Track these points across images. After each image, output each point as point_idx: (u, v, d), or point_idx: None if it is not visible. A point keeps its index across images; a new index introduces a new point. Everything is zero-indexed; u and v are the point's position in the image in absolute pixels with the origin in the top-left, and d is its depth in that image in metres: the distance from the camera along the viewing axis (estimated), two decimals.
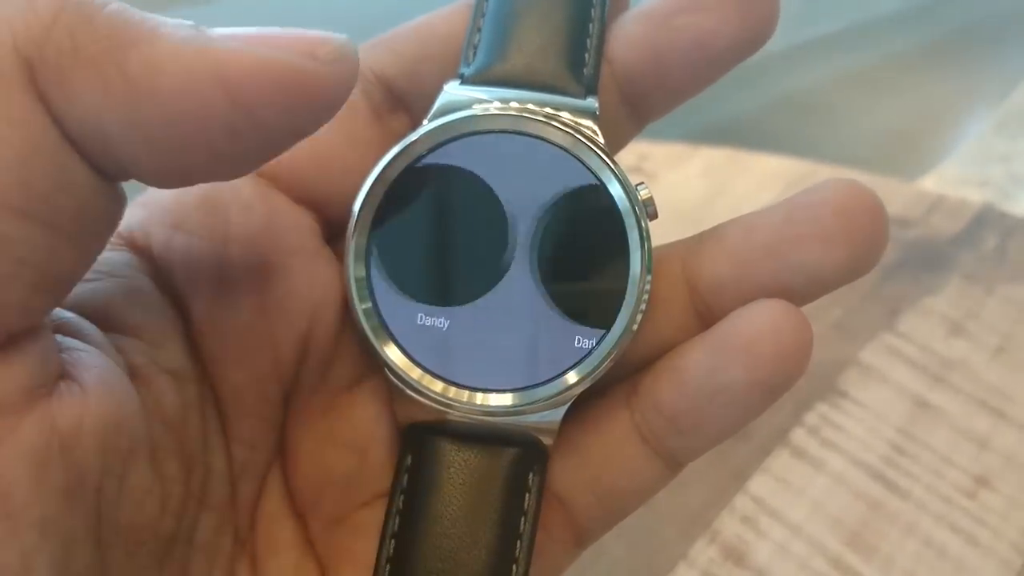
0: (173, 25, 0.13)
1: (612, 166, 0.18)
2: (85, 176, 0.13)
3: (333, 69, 0.14)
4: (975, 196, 0.54)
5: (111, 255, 0.17)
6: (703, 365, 0.17)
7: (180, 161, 0.14)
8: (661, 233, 0.19)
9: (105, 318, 0.16)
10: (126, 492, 0.15)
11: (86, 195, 0.13)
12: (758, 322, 0.16)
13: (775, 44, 0.19)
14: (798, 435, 0.36)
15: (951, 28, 1.47)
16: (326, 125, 0.16)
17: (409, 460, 0.19)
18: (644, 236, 0.18)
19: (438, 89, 0.19)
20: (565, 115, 0.19)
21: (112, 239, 0.17)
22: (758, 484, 0.35)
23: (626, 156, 0.19)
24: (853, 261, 0.17)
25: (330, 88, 0.14)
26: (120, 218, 0.15)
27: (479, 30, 0.20)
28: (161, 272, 0.17)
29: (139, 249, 0.18)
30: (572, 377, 0.18)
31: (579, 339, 0.18)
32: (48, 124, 0.13)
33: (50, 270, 0.13)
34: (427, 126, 0.19)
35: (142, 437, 0.15)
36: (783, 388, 0.17)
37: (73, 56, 0.12)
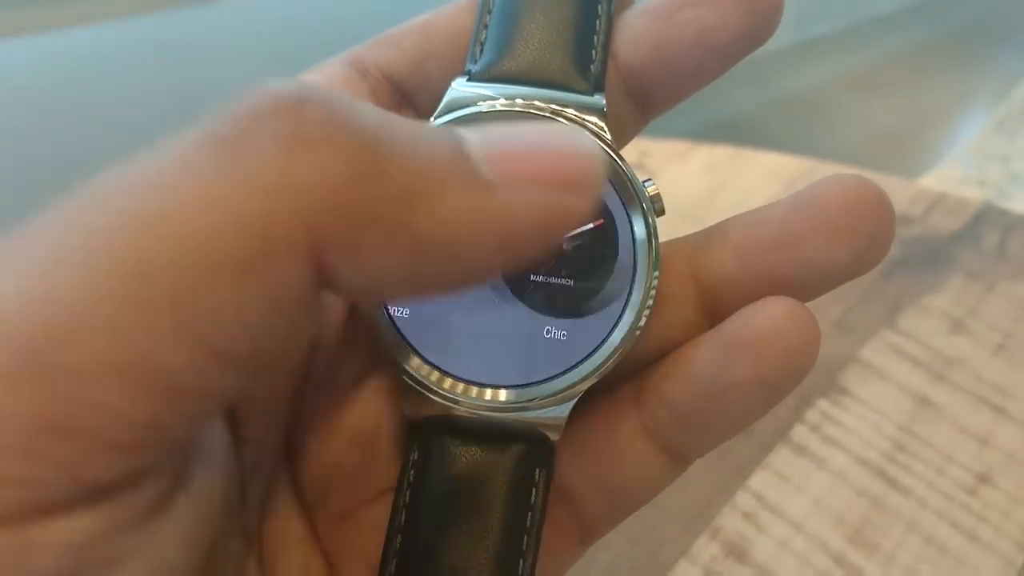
0: (458, 173, 0.12)
1: (618, 162, 0.18)
2: (307, 327, 0.13)
3: (590, 202, 0.13)
4: (974, 195, 0.54)
5: None
6: (711, 362, 0.17)
7: (422, 296, 0.13)
8: (662, 229, 0.19)
9: None
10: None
11: (297, 341, 0.13)
12: (766, 319, 0.16)
13: (776, 43, 0.19)
14: (799, 432, 0.36)
15: (950, 28, 1.47)
16: None
17: (415, 455, 0.19)
18: (651, 232, 0.18)
19: (445, 86, 0.19)
20: (570, 111, 0.19)
21: None
22: (759, 481, 0.35)
23: (627, 152, 0.19)
24: (859, 255, 0.17)
25: (579, 224, 0.13)
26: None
27: (486, 26, 0.20)
28: None
29: None
30: (582, 371, 0.18)
31: (587, 335, 0.18)
32: (307, 292, 0.12)
33: (224, 405, 0.13)
34: (433, 123, 0.19)
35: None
36: (791, 385, 0.17)
37: (364, 220, 0.11)
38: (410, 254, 0.12)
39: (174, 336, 0.11)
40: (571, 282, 0.18)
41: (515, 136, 0.13)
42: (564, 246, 0.18)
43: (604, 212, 0.18)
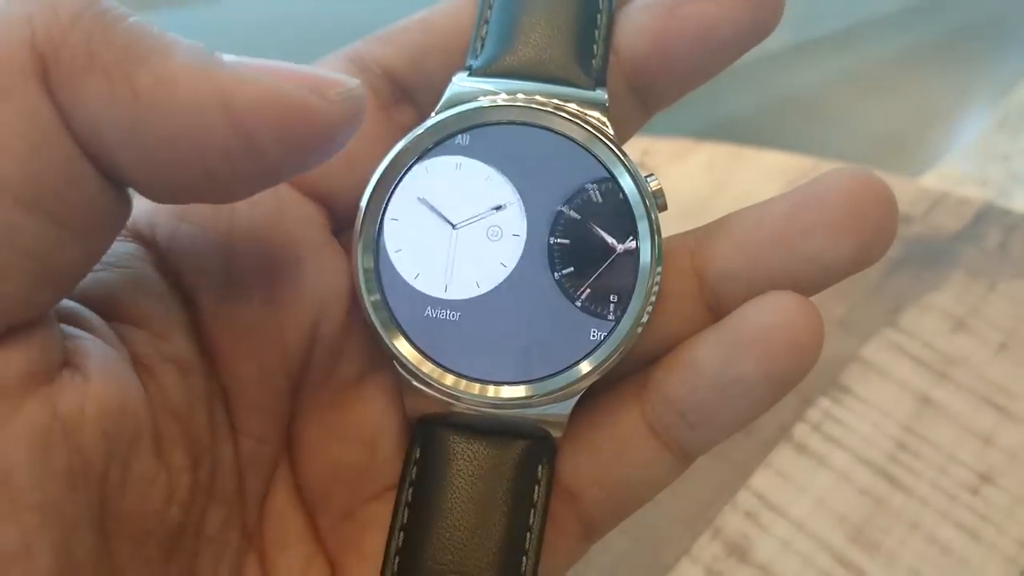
0: (187, 46, 0.13)
1: (622, 157, 0.18)
2: (91, 175, 0.13)
3: (338, 108, 0.14)
4: (975, 194, 0.54)
5: (117, 246, 0.17)
6: (715, 358, 0.17)
7: (175, 177, 0.14)
8: (663, 228, 0.19)
9: (110, 308, 0.16)
10: (131, 480, 0.15)
11: (92, 193, 0.13)
12: (770, 314, 0.16)
13: (777, 43, 0.19)
14: (801, 431, 0.36)
15: (951, 28, 1.47)
16: None
17: (418, 453, 0.18)
18: (654, 227, 0.18)
19: (444, 81, 0.19)
20: (572, 106, 0.18)
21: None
22: (761, 479, 0.35)
23: (629, 151, 0.19)
24: (863, 249, 0.17)
25: (332, 126, 0.14)
26: (127, 219, 0.15)
27: (487, 22, 0.20)
28: (167, 263, 0.17)
29: (145, 240, 0.17)
30: (584, 367, 0.18)
31: (590, 330, 0.18)
32: (57, 120, 0.13)
33: (54, 264, 0.13)
34: (434, 118, 0.19)
35: (146, 425, 0.15)
36: (795, 380, 0.17)
37: (87, 61, 0.13)
38: (132, 107, 0.13)
39: None
40: (574, 277, 0.18)
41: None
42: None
43: (607, 207, 0.18)
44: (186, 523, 0.16)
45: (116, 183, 0.14)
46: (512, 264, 0.18)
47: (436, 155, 0.18)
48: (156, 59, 0.13)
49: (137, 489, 0.15)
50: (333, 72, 0.14)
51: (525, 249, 0.18)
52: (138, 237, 0.18)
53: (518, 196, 0.18)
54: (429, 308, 0.18)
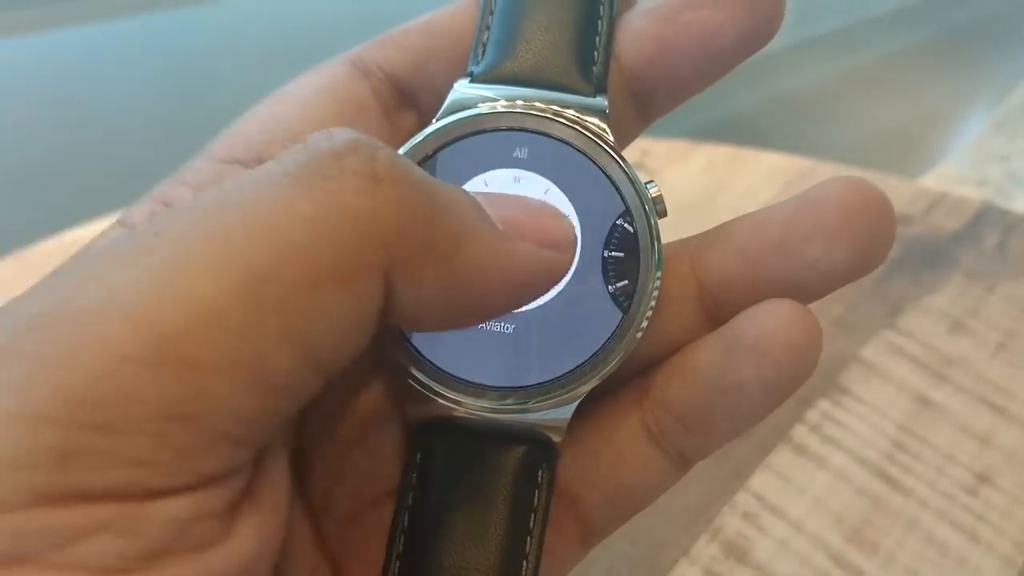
0: (483, 220, 0.15)
1: (622, 164, 0.18)
2: (368, 341, 0.14)
3: (569, 259, 0.16)
4: (974, 195, 0.54)
5: None
6: (713, 364, 0.17)
7: (443, 328, 0.16)
8: (663, 229, 0.19)
9: None
10: None
11: (359, 354, 0.14)
12: (769, 321, 0.17)
13: (775, 43, 0.19)
14: (799, 432, 0.37)
15: (950, 28, 1.47)
16: (338, 123, 0.17)
17: (419, 457, 0.19)
18: (653, 234, 0.18)
19: (447, 86, 0.19)
20: (571, 112, 0.19)
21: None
22: (759, 481, 0.35)
23: (628, 152, 0.19)
24: (860, 257, 0.17)
25: (563, 276, 0.16)
26: None
27: (488, 27, 0.20)
28: None
29: None
30: (588, 369, 0.18)
31: (589, 336, 0.18)
32: (378, 309, 0.14)
33: (301, 406, 0.14)
34: (433, 125, 0.19)
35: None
36: (793, 387, 0.17)
37: (424, 253, 0.14)
38: (452, 286, 0.14)
39: (279, 336, 0.12)
40: (572, 283, 0.18)
41: (509, 201, 0.16)
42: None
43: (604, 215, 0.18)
44: None
45: None
46: None
47: (437, 162, 0.19)
48: (471, 241, 0.14)
49: None
50: (558, 216, 0.16)
51: None
52: None
53: None
54: None
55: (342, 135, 0.14)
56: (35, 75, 1.01)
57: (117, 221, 0.18)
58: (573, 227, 0.16)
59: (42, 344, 0.11)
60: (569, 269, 0.16)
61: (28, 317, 0.12)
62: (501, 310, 0.15)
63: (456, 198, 0.14)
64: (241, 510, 0.13)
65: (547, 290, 0.16)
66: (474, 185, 0.19)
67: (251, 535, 0.13)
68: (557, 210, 0.16)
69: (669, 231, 0.19)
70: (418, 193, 0.13)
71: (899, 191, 0.50)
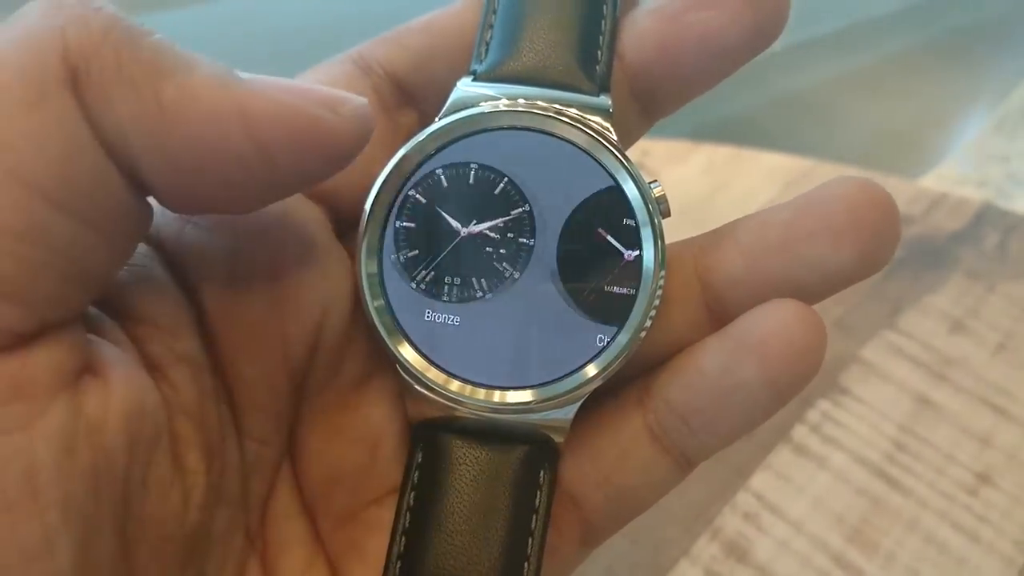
0: (208, 62, 0.14)
1: (626, 164, 0.18)
2: (117, 181, 0.14)
3: (349, 124, 0.15)
4: (974, 195, 0.54)
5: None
6: (717, 364, 0.17)
7: (193, 186, 0.15)
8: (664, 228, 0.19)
9: (122, 307, 0.16)
10: (151, 483, 0.15)
11: (119, 198, 0.14)
12: (772, 322, 0.16)
13: (776, 43, 0.19)
14: (800, 432, 0.37)
15: (950, 28, 1.47)
16: None
17: (420, 457, 0.19)
18: (657, 233, 0.18)
19: (449, 85, 0.19)
20: (573, 111, 0.19)
21: None
22: (760, 481, 0.35)
23: (629, 153, 0.19)
24: (864, 258, 0.17)
25: (343, 141, 0.15)
26: (150, 224, 0.15)
27: (491, 27, 0.20)
28: (173, 263, 0.17)
29: (153, 241, 0.18)
30: (588, 371, 0.18)
31: (593, 336, 0.18)
32: (86, 128, 0.13)
33: (85, 265, 0.14)
34: (436, 124, 0.19)
35: (164, 427, 0.16)
36: (797, 388, 0.17)
37: (116, 73, 0.13)
38: (157, 118, 0.14)
39: (6, 177, 0.12)
40: (577, 282, 0.18)
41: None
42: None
43: (610, 213, 0.18)
44: (200, 527, 0.16)
45: (139, 191, 0.15)
46: (518, 270, 0.18)
47: (439, 161, 0.19)
48: (180, 73, 0.14)
49: (157, 492, 0.15)
50: (343, 91, 0.15)
51: (531, 255, 0.18)
52: (146, 238, 0.18)
53: (523, 202, 0.18)
54: (433, 313, 0.18)
55: None
56: None
57: None
58: (359, 100, 0.15)
59: None
60: (351, 134, 0.15)
61: None
62: (248, 162, 0.14)
63: (167, 41, 0.14)
64: (55, 393, 0.13)
65: (320, 153, 0.15)
66: None
67: (58, 418, 0.13)
68: (347, 93, 0.15)
69: (670, 231, 0.19)
70: (107, 18, 0.14)
71: (900, 191, 0.50)
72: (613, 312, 0.18)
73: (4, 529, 0.13)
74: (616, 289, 0.18)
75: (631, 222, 0.18)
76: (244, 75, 0.15)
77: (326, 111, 0.15)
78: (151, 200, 0.15)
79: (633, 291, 0.18)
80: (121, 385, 0.15)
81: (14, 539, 0.13)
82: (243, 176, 0.14)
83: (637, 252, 0.18)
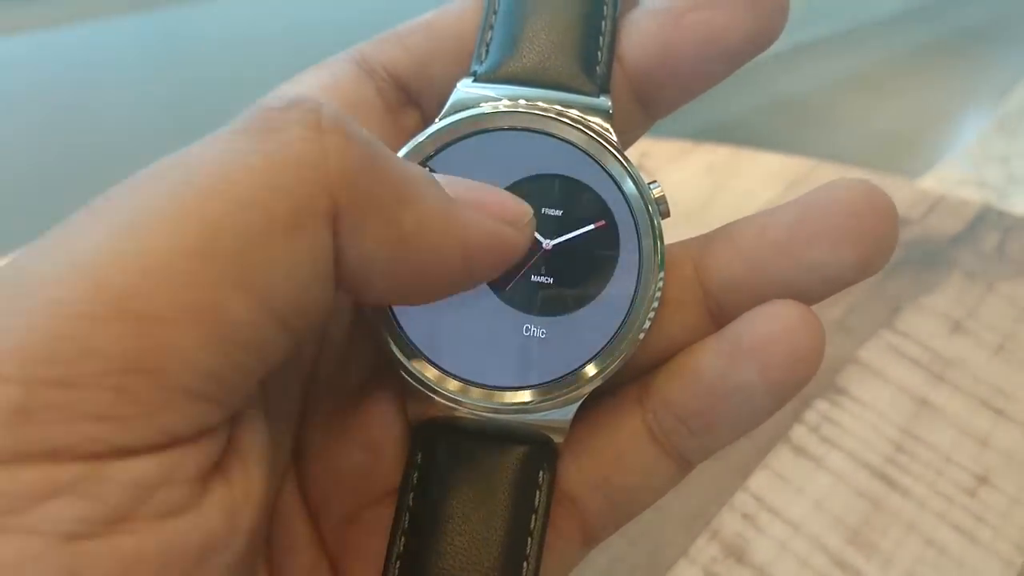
0: (434, 186, 0.15)
1: (625, 164, 0.18)
2: (331, 300, 0.14)
3: (526, 238, 0.16)
4: (973, 196, 0.54)
5: None
6: (716, 366, 0.17)
7: (396, 297, 0.16)
8: (664, 229, 0.19)
9: None
10: None
11: (325, 314, 0.14)
12: (772, 323, 0.16)
13: (776, 45, 0.19)
14: (798, 432, 0.37)
15: (950, 29, 1.47)
16: None
17: (420, 458, 0.19)
18: (656, 234, 0.18)
19: (450, 85, 0.19)
20: (574, 112, 0.19)
21: None
22: (759, 481, 0.35)
23: (627, 154, 0.19)
24: (864, 261, 0.17)
25: (520, 253, 0.16)
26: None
27: (491, 27, 0.20)
28: None
29: None
30: (588, 372, 0.18)
31: (593, 336, 0.18)
32: (332, 259, 0.14)
33: (273, 365, 0.14)
34: (436, 125, 0.19)
35: None
36: (796, 389, 0.17)
37: (369, 204, 0.14)
38: (399, 244, 0.14)
39: (235, 286, 0.12)
40: (576, 285, 0.18)
41: (465, 181, 0.16)
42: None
43: (607, 214, 0.18)
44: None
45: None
46: (517, 269, 0.18)
47: (438, 161, 0.19)
48: (417, 202, 0.14)
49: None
50: (517, 201, 0.16)
51: (530, 255, 0.18)
52: None
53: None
54: (433, 314, 0.18)
55: (284, 95, 0.14)
56: (34, 74, 1.00)
57: None
58: (530, 210, 0.16)
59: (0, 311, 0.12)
60: (526, 248, 0.16)
61: None
62: (456, 283, 0.16)
63: (404, 162, 0.15)
64: (212, 479, 0.13)
65: (504, 267, 0.16)
66: None
67: (220, 506, 0.13)
68: (514, 196, 0.16)
69: (669, 232, 0.19)
70: (362, 145, 0.14)
71: (899, 193, 0.50)
72: (613, 313, 0.18)
73: None
74: (615, 290, 0.18)
75: (630, 223, 0.18)
76: (449, 187, 0.15)
77: (511, 228, 0.16)
78: None
79: (632, 292, 0.18)
80: (258, 475, 0.15)
81: None
82: (446, 290, 0.16)
83: (636, 253, 0.18)
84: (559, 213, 0.18)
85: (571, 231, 0.18)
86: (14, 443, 0.11)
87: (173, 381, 0.12)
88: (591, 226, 0.18)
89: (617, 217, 0.18)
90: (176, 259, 0.12)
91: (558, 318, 0.18)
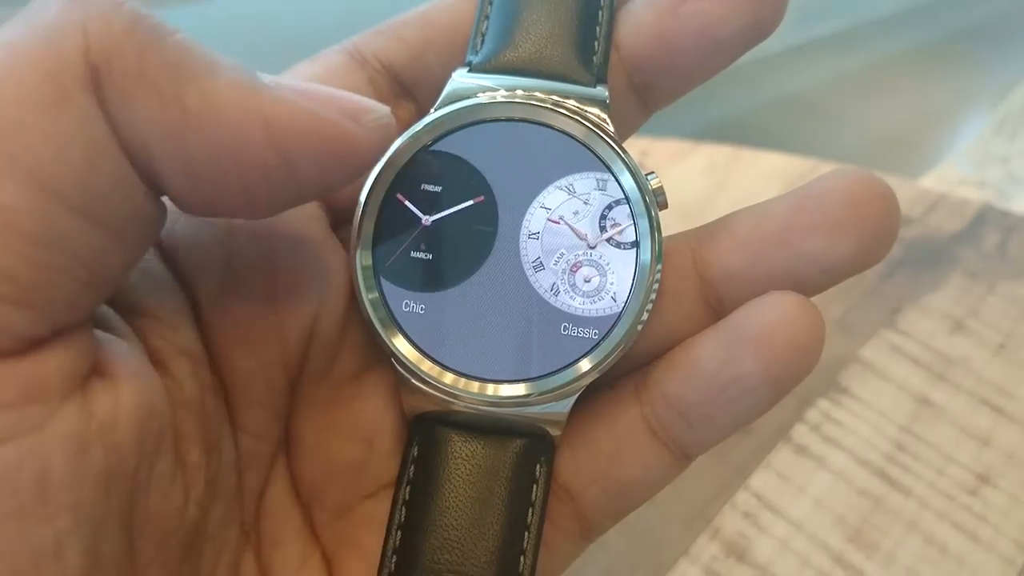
0: (232, 65, 0.14)
1: (622, 154, 0.18)
2: (136, 184, 0.14)
3: (371, 134, 0.15)
4: (974, 196, 0.54)
5: None
6: (715, 357, 0.17)
7: (213, 191, 0.14)
8: (663, 228, 0.19)
9: (124, 301, 0.16)
10: (155, 479, 0.15)
11: (137, 201, 0.14)
12: (771, 314, 0.16)
13: (776, 44, 0.19)
14: (800, 431, 0.36)
15: (950, 29, 1.47)
16: None
17: (415, 451, 0.18)
18: (654, 225, 0.18)
19: (445, 76, 0.19)
20: (571, 102, 0.18)
21: None
22: (760, 480, 0.34)
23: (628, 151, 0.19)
24: (863, 251, 0.17)
25: (364, 151, 0.15)
26: (163, 226, 0.15)
27: (487, 17, 0.20)
28: (169, 256, 0.17)
29: None
30: (585, 364, 0.18)
31: (589, 329, 0.18)
32: (108, 130, 0.13)
33: (100, 269, 0.14)
34: (432, 115, 0.19)
35: (169, 422, 0.15)
36: (795, 381, 0.17)
37: (138, 75, 0.13)
38: (180, 123, 0.13)
39: (3, 171, 0.12)
40: (573, 276, 0.18)
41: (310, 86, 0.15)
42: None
43: (606, 205, 0.18)
44: (199, 522, 0.16)
45: (156, 193, 0.14)
46: (514, 262, 0.18)
47: (433, 152, 0.18)
48: (204, 77, 0.13)
49: (160, 488, 0.15)
50: (366, 98, 0.15)
51: (526, 248, 0.18)
52: None
53: (512, 195, 0.18)
54: (427, 306, 0.18)
55: None
56: None
57: None
58: (386, 111, 0.15)
59: None
60: (370, 146, 0.15)
61: None
62: (270, 170, 0.14)
63: (192, 41, 0.14)
64: (57, 402, 0.13)
65: (338, 161, 0.15)
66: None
67: (61, 431, 0.13)
68: (375, 101, 0.15)
69: (669, 231, 0.19)
70: (132, 16, 0.13)
71: (900, 192, 0.49)
72: (609, 305, 0.18)
73: (16, 533, 0.13)
74: (613, 282, 0.18)
75: (627, 214, 0.18)
76: (267, 78, 0.14)
77: (349, 121, 0.14)
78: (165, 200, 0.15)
79: (629, 283, 0.18)
80: (131, 383, 0.14)
81: (25, 543, 0.13)
82: (263, 183, 0.14)
83: (634, 245, 0.18)
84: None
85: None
86: None
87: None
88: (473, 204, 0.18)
89: (615, 208, 0.18)
90: None
91: (555, 309, 0.18)
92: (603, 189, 0.18)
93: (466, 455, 0.18)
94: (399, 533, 0.18)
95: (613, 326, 0.18)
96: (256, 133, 0.14)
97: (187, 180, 0.14)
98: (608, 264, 0.18)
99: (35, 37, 0.13)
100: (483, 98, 0.18)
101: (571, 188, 0.18)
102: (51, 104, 0.12)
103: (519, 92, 0.18)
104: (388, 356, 0.18)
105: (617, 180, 0.18)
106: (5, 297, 0.12)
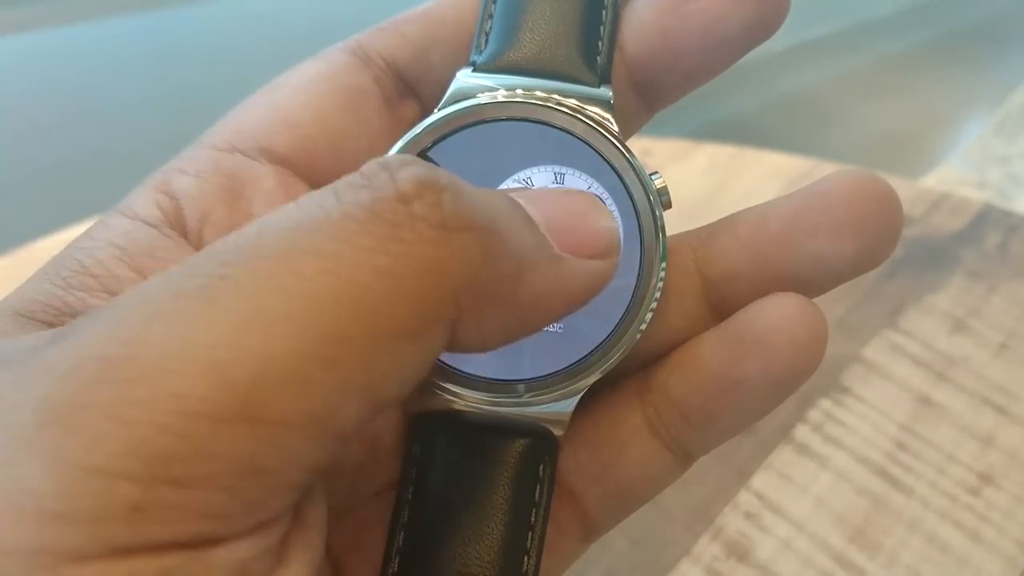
0: (541, 249, 0.14)
1: (625, 154, 0.18)
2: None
3: (614, 265, 0.16)
4: (974, 197, 0.54)
5: (158, 237, 0.17)
6: (717, 358, 0.17)
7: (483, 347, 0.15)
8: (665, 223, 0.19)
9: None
10: None
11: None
12: (774, 316, 0.16)
13: (778, 44, 0.19)
14: (801, 431, 0.36)
15: (951, 30, 1.48)
16: (340, 112, 0.16)
17: (418, 450, 0.18)
18: (658, 225, 0.18)
19: (449, 75, 0.19)
20: (572, 101, 0.18)
21: (152, 219, 0.18)
22: (761, 480, 0.34)
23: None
24: (866, 251, 0.17)
25: (608, 281, 0.15)
26: None
27: (491, 16, 0.20)
28: None
29: (173, 234, 0.17)
30: (585, 367, 0.18)
31: (592, 329, 0.18)
32: (440, 352, 0.14)
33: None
34: (435, 115, 0.18)
35: None
36: (798, 382, 0.17)
37: (490, 297, 0.13)
38: (514, 321, 0.14)
39: (354, 392, 0.12)
40: None
41: (553, 200, 0.15)
42: None
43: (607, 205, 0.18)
44: None
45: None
46: None
47: (436, 152, 0.18)
48: (530, 273, 0.14)
49: None
50: (601, 216, 0.15)
51: None
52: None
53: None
54: None
55: (403, 172, 0.13)
56: (33, 73, 1.00)
57: (118, 210, 0.18)
58: (617, 227, 0.16)
59: (115, 396, 0.11)
60: (612, 275, 0.16)
61: (92, 360, 0.12)
62: (551, 323, 0.16)
63: (511, 223, 0.14)
64: (291, 538, 0.13)
65: (595, 295, 0.15)
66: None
67: (302, 559, 0.13)
68: (601, 205, 0.16)
69: (670, 231, 0.19)
70: (483, 237, 0.13)
71: (901, 192, 0.49)
72: (612, 305, 0.18)
73: None
74: (616, 281, 0.18)
75: (631, 213, 0.18)
76: (533, 208, 0.15)
77: (603, 263, 0.15)
78: None
79: (634, 283, 0.18)
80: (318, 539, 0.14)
81: None
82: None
83: (637, 244, 0.18)
84: None
85: None
86: (126, 537, 0.11)
87: (283, 480, 0.12)
88: None
89: (618, 208, 0.18)
90: (300, 365, 0.12)
91: None
92: (606, 188, 0.18)
93: (470, 455, 0.18)
94: (402, 533, 0.18)
95: (616, 326, 0.18)
96: (559, 311, 0.15)
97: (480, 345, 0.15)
98: None
99: (404, 268, 0.12)
100: (483, 98, 0.18)
101: (572, 187, 0.18)
102: (413, 337, 0.13)
103: (519, 91, 0.18)
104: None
105: (620, 179, 0.18)
106: (305, 485, 0.13)
